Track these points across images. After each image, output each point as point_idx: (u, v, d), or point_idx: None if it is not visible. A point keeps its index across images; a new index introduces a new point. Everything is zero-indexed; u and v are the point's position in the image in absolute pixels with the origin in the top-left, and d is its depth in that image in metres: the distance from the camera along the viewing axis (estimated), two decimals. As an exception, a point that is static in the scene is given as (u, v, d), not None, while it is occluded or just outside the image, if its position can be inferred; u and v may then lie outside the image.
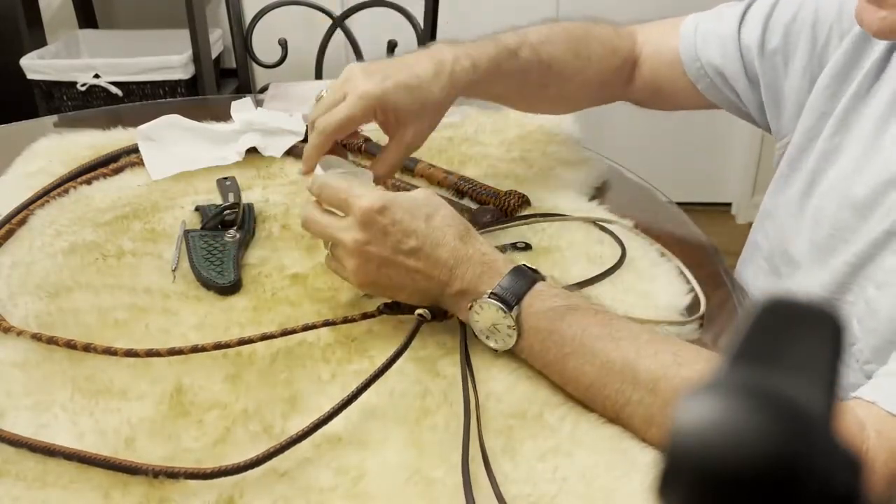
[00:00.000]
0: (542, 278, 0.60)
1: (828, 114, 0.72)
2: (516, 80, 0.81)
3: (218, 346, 0.59)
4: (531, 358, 0.59)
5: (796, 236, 0.74)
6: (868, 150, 0.67)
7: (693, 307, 0.67)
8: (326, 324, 0.62)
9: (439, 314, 0.62)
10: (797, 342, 0.21)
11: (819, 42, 0.73)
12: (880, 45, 0.68)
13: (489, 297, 0.57)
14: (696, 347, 0.56)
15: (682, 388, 0.51)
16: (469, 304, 0.59)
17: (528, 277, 0.58)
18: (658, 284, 0.70)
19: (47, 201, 0.84)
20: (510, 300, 0.57)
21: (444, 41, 0.77)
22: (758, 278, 0.79)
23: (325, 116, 0.70)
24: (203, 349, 0.59)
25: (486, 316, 0.58)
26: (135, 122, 0.98)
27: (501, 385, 0.58)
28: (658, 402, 0.52)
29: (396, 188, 0.87)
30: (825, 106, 0.72)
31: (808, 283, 0.70)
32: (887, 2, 0.58)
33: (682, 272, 0.72)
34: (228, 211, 0.79)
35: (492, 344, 0.60)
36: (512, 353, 0.60)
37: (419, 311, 0.61)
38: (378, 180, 0.72)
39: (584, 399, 0.56)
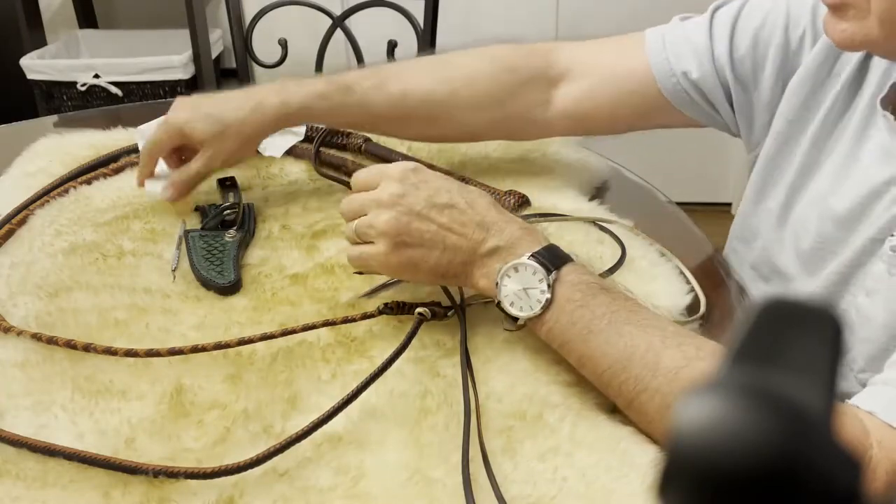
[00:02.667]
0: (574, 259, 0.59)
1: (800, 122, 0.71)
2: (356, 112, 0.80)
3: (218, 347, 0.59)
4: (552, 333, 0.57)
5: (780, 249, 0.74)
6: (847, 163, 0.67)
7: (693, 307, 0.67)
8: (326, 324, 0.62)
9: (439, 313, 0.62)
10: (797, 342, 0.21)
11: (792, 45, 0.72)
12: (856, 54, 0.68)
13: (529, 258, 0.57)
14: (717, 344, 0.56)
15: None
16: (500, 266, 0.58)
17: (563, 252, 0.59)
18: (658, 284, 0.70)
19: (47, 201, 0.84)
20: (550, 264, 0.57)
21: (286, 78, 0.81)
22: (746, 284, 0.78)
23: (144, 140, 0.82)
24: (203, 349, 0.59)
25: (518, 278, 0.57)
26: (135, 122, 0.98)
27: (501, 385, 0.58)
28: (677, 392, 0.52)
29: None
30: (796, 113, 0.71)
31: (798, 293, 0.70)
32: (847, 14, 0.58)
33: (682, 272, 0.72)
34: (228, 211, 0.79)
35: (514, 311, 0.57)
36: (513, 352, 0.60)
37: (419, 309, 0.61)
38: (172, 197, 0.80)
39: (597, 382, 0.56)
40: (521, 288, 0.57)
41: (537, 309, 0.57)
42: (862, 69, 0.68)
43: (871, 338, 0.62)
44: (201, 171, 0.79)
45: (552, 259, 0.57)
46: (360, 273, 0.67)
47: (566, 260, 0.58)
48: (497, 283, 0.58)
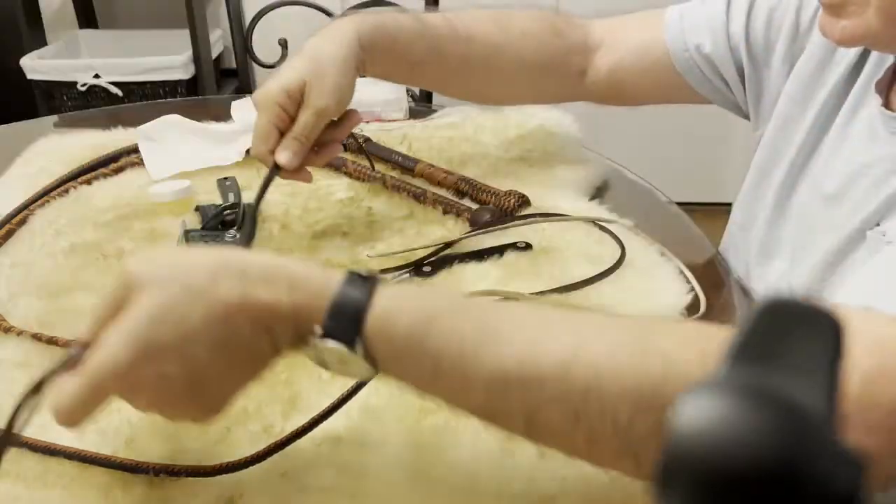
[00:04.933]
0: (378, 279, 0.44)
1: (803, 103, 0.72)
2: (430, 44, 0.80)
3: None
4: (399, 382, 0.45)
5: (777, 233, 0.74)
6: (838, 143, 0.68)
7: (693, 307, 0.67)
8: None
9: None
10: (797, 342, 0.21)
11: (801, 27, 0.73)
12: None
13: (320, 338, 0.42)
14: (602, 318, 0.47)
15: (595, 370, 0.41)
16: (300, 349, 0.44)
17: (361, 288, 0.43)
18: (658, 284, 0.70)
19: (47, 201, 0.84)
20: (345, 333, 0.42)
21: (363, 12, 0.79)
22: (739, 268, 0.79)
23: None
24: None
25: (326, 354, 0.43)
26: (135, 122, 0.98)
27: (501, 385, 0.58)
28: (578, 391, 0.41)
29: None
30: (800, 94, 0.73)
31: (789, 278, 0.70)
32: (846, 11, 0.59)
33: (682, 272, 0.72)
34: (228, 211, 0.79)
35: (346, 376, 0.46)
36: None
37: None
38: (288, 167, 0.72)
39: (485, 424, 0.46)
40: (337, 361, 0.43)
41: (371, 374, 0.44)
42: (864, 52, 0.68)
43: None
44: (310, 121, 0.72)
45: (348, 314, 0.42)
46: None
47: (367, 297, 0.42)
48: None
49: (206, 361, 0.42)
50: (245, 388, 0.45)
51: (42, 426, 0.54)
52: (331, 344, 0.42)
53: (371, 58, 0.77)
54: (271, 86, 0.72)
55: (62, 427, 0.43)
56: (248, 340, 0.43)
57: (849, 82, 0.69)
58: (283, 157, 0.71)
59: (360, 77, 0.77)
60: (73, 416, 0.43)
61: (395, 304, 0.43)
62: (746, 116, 0.83)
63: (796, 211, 0.72)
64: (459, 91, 0.91)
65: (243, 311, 0.42)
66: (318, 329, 0.42)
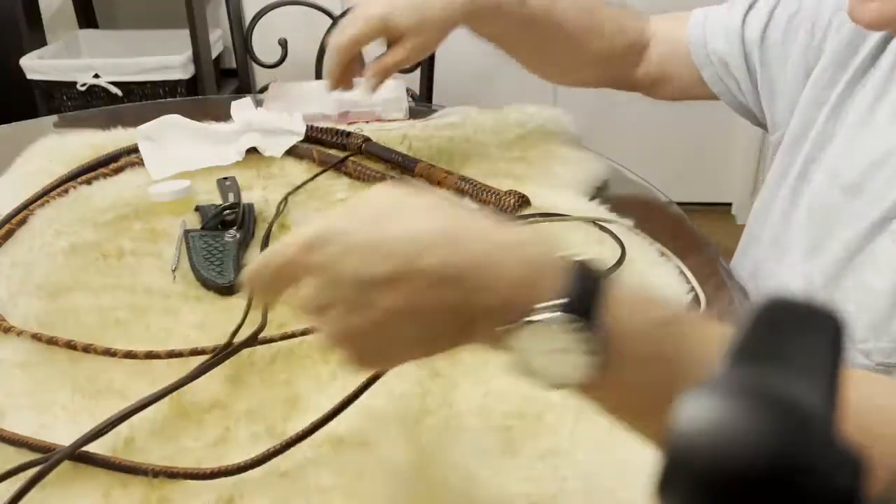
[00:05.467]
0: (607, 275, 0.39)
1: (823, 103, 0.72)
2: (519, 23, 0.84)
3: (217, 351, 0.59)
4: (612, 398, 0.39)
5: (792, 223, 0.74)
6: (858, 132, 0.68)
7: (693, 307, 0.67)
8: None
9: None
10: (797, 342, 0.21)
11: (817, 36, 0.74)
12: (876, 34, 0.69)
13: (551, 311, 0.36)
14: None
15: None
16: (509, 326, 0.37)
17: (595, 275, 0.38)
18: (658, 284, 0.70)
19: (47, 201, 0.84)
20: (585, 308, 0.36)
21: None
22: (756, 267, 0.79)
23: (335, 37, 0.81)
24: (202, 352, 0.59)
25: (542, 339, 0.36)
26: (135, 122, 0.98)
27: (501, 385, 0.58)
28: None
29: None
30: (821, 96, 0.73)
31: (806, 270, 0.70)
32: None
33: (682, 272, 0.72)
34: (228, 211, 0.79)
35: (547, 379, 0.38)
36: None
37: None
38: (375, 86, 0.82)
39: None
40: (549, 350, 0.36)
41: (583, 374, 0.36)
42: (881, 46, 0.68)
43: (872, 306, 0.62)
44: (400, 62, 0.81)
45: (584, 293, 0.36)
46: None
47: (601, 285, 0.37)
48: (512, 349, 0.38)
49: (403, 315, 0.38)
50: (417, 355, 0.42)
51: (42, 426, 0.54)
52: (556, 320, 0.35)
53: (475, 15, 0.82)
54: (374, 11, 0.79)
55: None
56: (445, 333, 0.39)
57: (864, 68, 0.69)
58: (369, 85, 0.82)
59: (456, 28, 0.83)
60: (263, 279, 0.42)
61: (629, 293, 0.37)
62: (755, 120, 0.85)
63: (810, 202, 0.72)
64: (527, 60, 0.93)
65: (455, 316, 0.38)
66: (551, 295, 0.36)
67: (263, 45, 1.73)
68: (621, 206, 0.83)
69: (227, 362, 0.60)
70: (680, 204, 0.88)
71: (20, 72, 2.02)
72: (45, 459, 0.49)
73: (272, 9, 1.71)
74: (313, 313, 0.41)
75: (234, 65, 2.12)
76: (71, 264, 0.73)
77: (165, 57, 2.01)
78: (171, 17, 2.19)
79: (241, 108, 1.00)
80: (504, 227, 0.40)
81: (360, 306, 0.38)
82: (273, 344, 0.61)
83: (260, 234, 0.79)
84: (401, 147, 0.95)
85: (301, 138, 0.96)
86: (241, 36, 1.73)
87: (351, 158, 0.92)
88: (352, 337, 0.40)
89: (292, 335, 0.61)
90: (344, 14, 1.69)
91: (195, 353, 0.59)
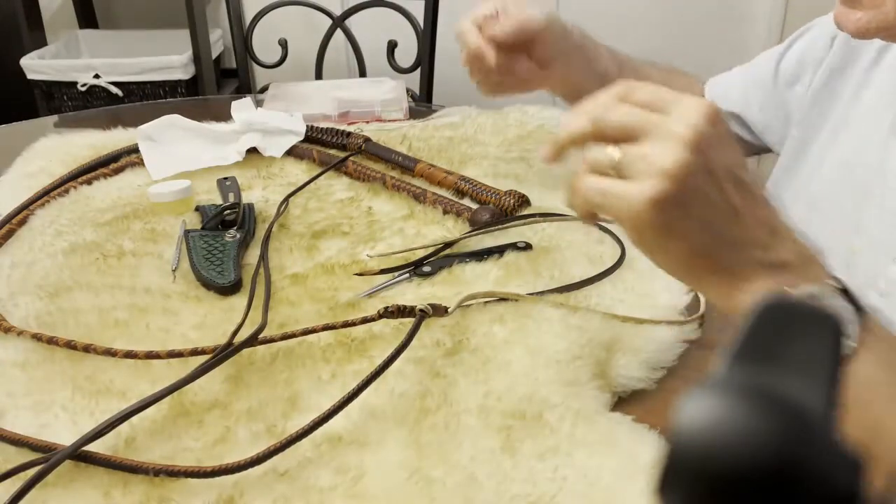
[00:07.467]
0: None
1: (823, 113, 0.73)
2: (600, 76, 0.86)
3: (217, 352, 0.59)
4: (853, 391, 0.41)
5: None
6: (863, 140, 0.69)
7: (693, 307, 0.67)
8: (326, 328, 0.62)
9: (440, 310, 0.62)
10: (797, 342, 0.21)
11: (823, 59, 0.77)
12: (874, 44, 0.69)
13: (836, 293, 0.43)
14: None
15: None
16: (786, 287, 0.43)
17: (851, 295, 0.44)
18: (658, 284, 0.70)
19: (47, 201, 0.84)
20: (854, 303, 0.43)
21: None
22: None
23: (501, 25, 0.79)
24: (202, 352, 0.59)
25: None
26: (135, 122, 0.98)
27: (501, 385, 0.58)
28: None
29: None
30: (819, 103, 0.74)
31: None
32: (862, 3, 0.58)
33: (682, 272, 0.72)
34: (228, 211, 0.79)
35: None
36: (513, 352, 0.60)
37: (420, 306, 0.61)
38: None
39: None
40: None
41: None
42: (877, 58, 0.69)
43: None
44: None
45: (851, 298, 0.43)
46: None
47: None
48: None
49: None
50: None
51: (42, 426, 0.54)
52: (839, 298, 0.42)
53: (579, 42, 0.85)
54: (546, 18, 0.80)
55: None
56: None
57: (856, 86, 0.71)
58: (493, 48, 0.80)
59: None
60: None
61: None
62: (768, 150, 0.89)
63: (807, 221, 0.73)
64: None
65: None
66: (826, 281, 0.43)
67: (263, 45, 1.73)
68: (621, 206, 0.83)
69: (227, 362, 0.60)
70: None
71: (20, 72, 2.02)
72: (46, 459, 0.49)
73: (272, 9, 1.71)
74: (673, 140, 0.43)
75: (234, 65, 2.12)
76: (71, 264, 0.73)
77: (166, 57, 2.01)
78: (171, 17, 2.19)
79: (242, 108, 1.00)
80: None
81: (716, 187, 0.43)
82: (273, 344, 0.61)
83: (260, 234, 0.79)
84: (401, 147, 0.95)
85: (301, 138, 0.96)
86: (242, 36, 1.73)
87: (351, 158, 0.92)
88: (683, 193, 0.42)
89: (292, 335, 0.61)
90: (343, 16, 1.69)
91: (195, 353, 0.59)
